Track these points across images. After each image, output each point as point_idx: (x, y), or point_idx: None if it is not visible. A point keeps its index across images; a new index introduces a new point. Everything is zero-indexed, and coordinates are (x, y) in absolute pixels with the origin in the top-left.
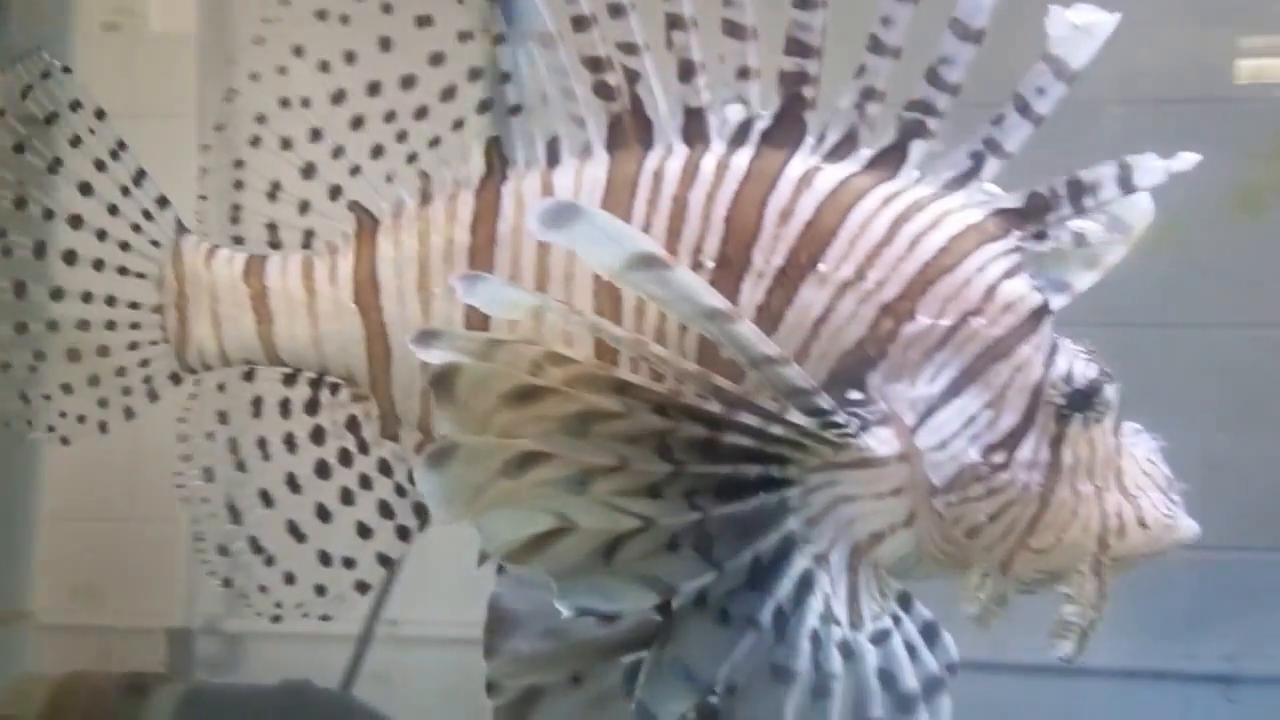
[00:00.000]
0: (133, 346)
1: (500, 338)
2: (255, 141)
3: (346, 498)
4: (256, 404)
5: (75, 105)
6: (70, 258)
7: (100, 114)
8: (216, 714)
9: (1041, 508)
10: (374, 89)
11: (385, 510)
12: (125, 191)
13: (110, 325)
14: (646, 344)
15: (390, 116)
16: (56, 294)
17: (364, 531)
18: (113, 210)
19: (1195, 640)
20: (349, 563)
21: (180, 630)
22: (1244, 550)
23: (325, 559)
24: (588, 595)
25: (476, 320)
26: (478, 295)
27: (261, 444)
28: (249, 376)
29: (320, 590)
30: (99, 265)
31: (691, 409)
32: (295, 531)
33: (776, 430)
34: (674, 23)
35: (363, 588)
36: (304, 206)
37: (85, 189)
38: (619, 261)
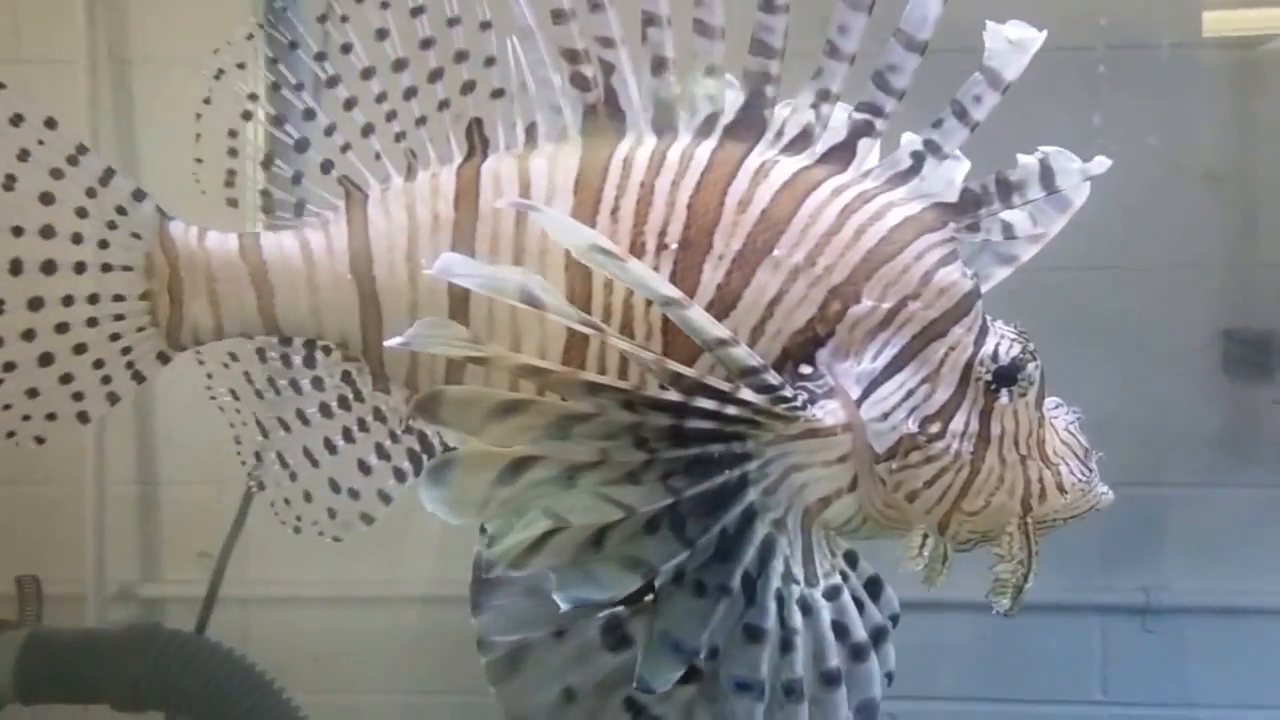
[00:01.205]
0: (114, 338)
1: (483, 354)
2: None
3: (348, 435)
4: (261, 352)
5: (17, 120)
6: (49, 267)
7: (51, 123)
8: (62, 658)
9: (972, 474)
10: (368, 73)
11: (381, 452)
12: (91, 193)
13: (91, 322)
14: (607, 332)
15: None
16: (35, 304)
17: (364, 469)
18: (81, 213)
19: (1112, 574)
20: (354, 494)
21: (29, 578)
22: (1157, 486)
23: (335, 486)
24: (582, 586)
25: (459, 291)
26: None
27: (271, 382)
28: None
29: (331, 514)
30: (79, 268)
31: (655, 400)
32: (309, 456)
33: (732, 410)
34: (649, 20)
35: (367, 519)
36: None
37: (46, 199)
38: (583, 245)
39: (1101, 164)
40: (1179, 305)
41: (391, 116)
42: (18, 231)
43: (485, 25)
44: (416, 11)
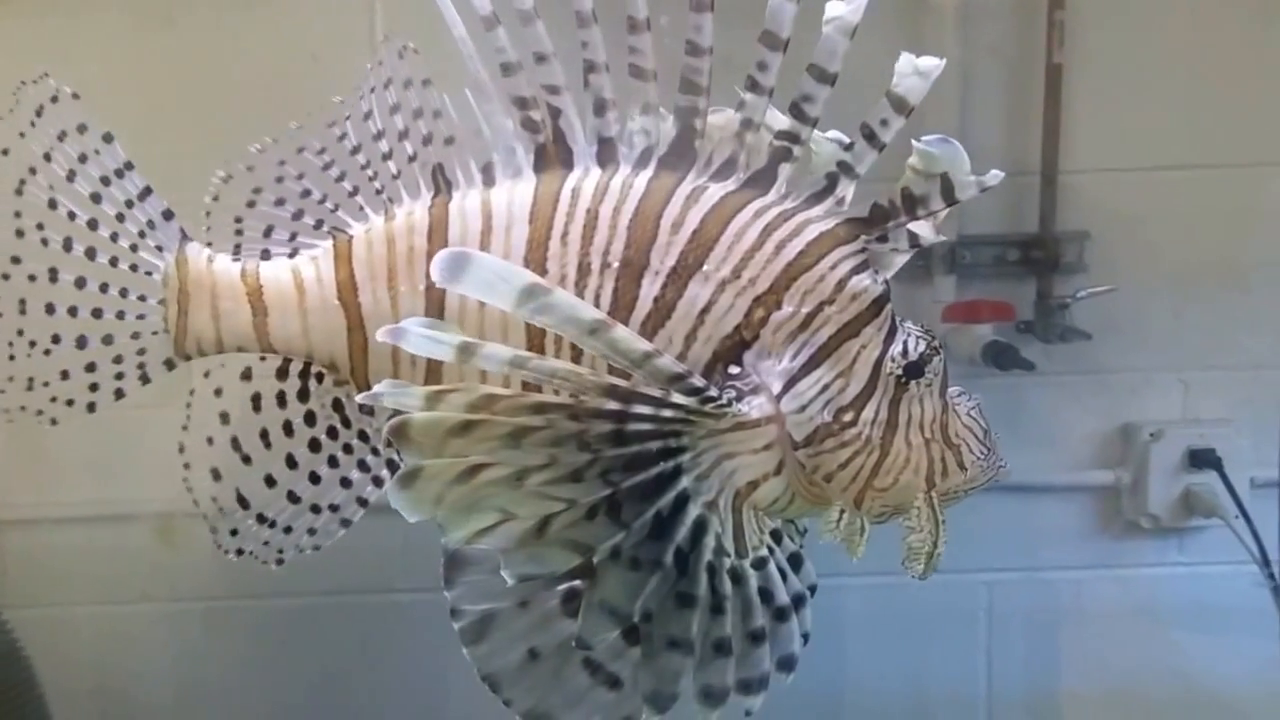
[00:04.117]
0: (135, 336)
1: (437, 390)
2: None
3: (333, 463)
4: (255, 399)
5: (82, 128)
6: (90, 253)
7: (108, 138)
8: None
9: (882, 456)
10: (356, 149)
11: (363, 466)
12: (130, 204)
13: (120, 315)
14: (545, 364)
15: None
16: (79, 282)
17: (345, 484)
18: (120, 218)
19: None
20: (334, 508)
21: None
22: None
23: (315, 510)
24: (526, 564)
25: (434, 311)
26: (410, 341)
27: (264, 435)
28: (248, 376)
29: (311, 531)
30: (113, 262)
31: (598, 411)
32: (292, 497)
33: (667, 413)
34: (590, 68)
35: (345, 524)
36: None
37: (95, 198)
38: (512, 295)
39: (995, 176)
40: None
41: (374, 177)
42: (72, 216)
43: (426, 83)
44: (388, 84)
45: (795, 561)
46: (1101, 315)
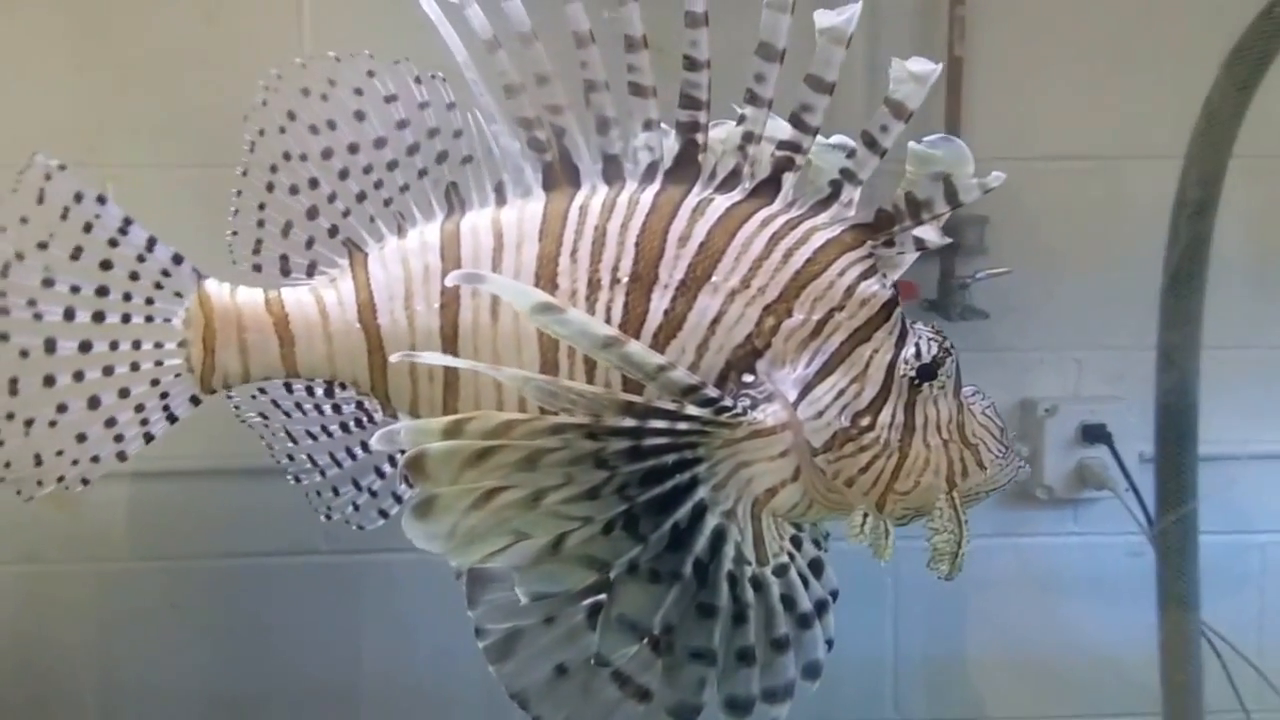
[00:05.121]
0: (154, 383)
1: (455, 421)
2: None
3: (365, 448)
4: (288, 385)
5: (79, 197)
6: (99, 317)
7: (101, 199)
8: None
9: (901, 459)
10: (353, 148)
11: (392, 461)
12: (140, 259)
13: (134, 367)
14: (559, 382)
15: (368, 169)
16: (84, 346)
17: (380, 474)
18: (133, 276)
19: None
20: (373, 494)
21: None
22: None
23: (358, 486)
24: (540, 583)
25: (448, 332)
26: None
27: (299, 405)
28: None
29: (355, 507)
30: (126, 319)
31: (614, 429)
32: (334, 459)
33: (683, 426)
34: (590, 87)
35: (384, 514)
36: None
37: (105, 265)
38: (526, 307)
39: (998, 178)
40: None
41: (379, 185)
42: (75, 290)
43: (450, 105)
44: (390, 99)
45: (816, 567)
46: (1000, 296)
